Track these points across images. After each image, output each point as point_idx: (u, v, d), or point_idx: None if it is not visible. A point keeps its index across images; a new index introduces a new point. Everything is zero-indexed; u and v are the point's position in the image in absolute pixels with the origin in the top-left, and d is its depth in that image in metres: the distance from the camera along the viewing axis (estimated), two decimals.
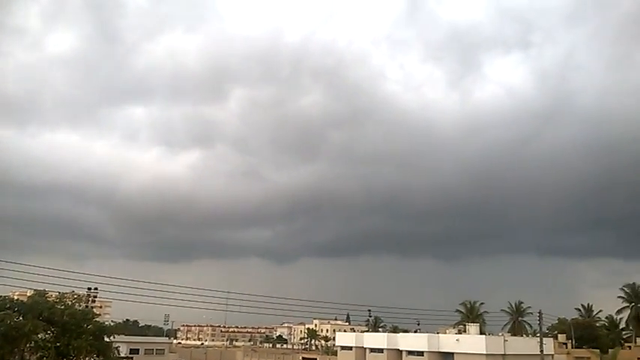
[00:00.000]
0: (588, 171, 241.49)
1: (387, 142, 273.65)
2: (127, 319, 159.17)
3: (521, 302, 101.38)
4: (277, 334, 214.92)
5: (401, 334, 62.18)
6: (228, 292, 70.10)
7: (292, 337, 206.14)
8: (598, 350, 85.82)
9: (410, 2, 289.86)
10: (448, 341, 51.38)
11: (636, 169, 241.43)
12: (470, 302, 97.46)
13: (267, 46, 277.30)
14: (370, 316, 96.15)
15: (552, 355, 54.39)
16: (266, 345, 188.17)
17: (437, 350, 51.22)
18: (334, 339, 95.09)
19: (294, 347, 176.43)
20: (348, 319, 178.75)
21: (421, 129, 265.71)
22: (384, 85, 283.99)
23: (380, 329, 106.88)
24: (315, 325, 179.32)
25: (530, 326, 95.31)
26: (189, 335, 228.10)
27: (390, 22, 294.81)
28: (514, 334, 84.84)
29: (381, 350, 56.98)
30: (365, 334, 68.55)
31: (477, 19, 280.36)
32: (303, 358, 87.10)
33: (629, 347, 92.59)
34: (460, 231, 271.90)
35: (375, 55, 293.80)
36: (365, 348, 60.23)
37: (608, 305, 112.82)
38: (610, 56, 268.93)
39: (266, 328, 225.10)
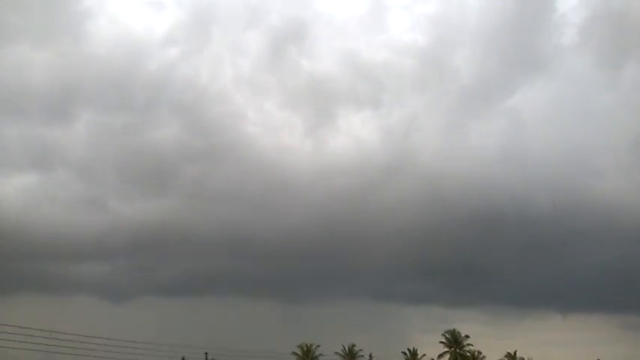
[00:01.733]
0: (423, 224, 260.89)
1: (243, 182, 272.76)
2: None
3: (354, 345, 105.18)
4: None
5: None
6: (50, 331, 63.96)
7: None
8: None
9: (272, 48, 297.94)
10: None
11: (462, 225, 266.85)
12: (306, 345, 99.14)
13: (125, 71, 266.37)
14: (207, 359, 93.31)
15: None
16: None
17: None
18: None
19: None
20: None
21: (276, 172, 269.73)
22: (243, 125, 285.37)
23: None
24: None
25: None
26: None
27: (253, 65, 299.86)
28: None
29: None
30: None
31: (335, 74, 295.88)
32: None
33: None
34: (306, 274, 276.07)
35: (236, 95, 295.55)
36: None
37: (431, 349, 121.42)
38: (447, 123, 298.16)
39: None
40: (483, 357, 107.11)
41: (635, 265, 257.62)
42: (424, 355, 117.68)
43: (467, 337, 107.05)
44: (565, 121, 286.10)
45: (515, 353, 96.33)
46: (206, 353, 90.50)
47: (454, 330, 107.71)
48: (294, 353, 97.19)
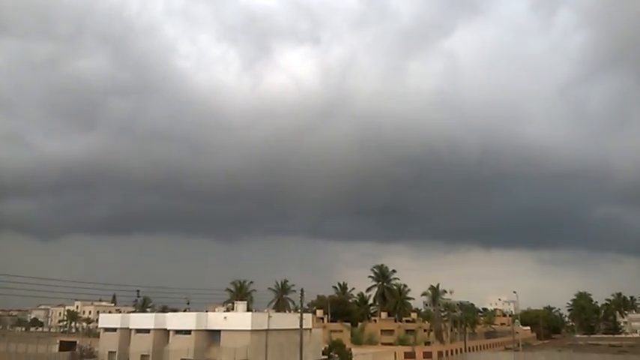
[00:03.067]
0: (358, 164, 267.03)
1: (176, 120, 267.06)
2: None
3: (287, 281, 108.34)
4: (32, 317, 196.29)
5: (169, 313, 61.68)
6: None
7: (50, 319, 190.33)
8: (349, 324, 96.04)
9: None
10: (216, 319, 52.49)
11: (398, 166, 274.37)
12: (240, 281, 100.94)
13: None
14: (139, 297, 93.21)
15: (310, 329, 59.13)
16: (18, 329, 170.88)
17: (205, 328, 52.08)
18: (98, 321, 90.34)
19: (52, 331, 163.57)
20: (114, 300, 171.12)
21: (212, 110, 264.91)
22: (175, 59, 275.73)
23: (148, 309, 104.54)
24: (77, 307, 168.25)
25: (293, 303, 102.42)
26: None
27: None
28: (278, 311, 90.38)
29: (147, 331, 55.96)
30: (131, 314, 66.46)
31: (273, 8, 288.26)
32: (60, 341, 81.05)
33: (375, 320, 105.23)
34: (244, 213, 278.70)
35: (166, 27, 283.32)
36: (131, 329, 58.62)
37: (360, 283, 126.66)
38: (386, 63, 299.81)
39: (19, 310, 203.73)
40: (408, 290, 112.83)
41: (552, 205, 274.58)
42: (353, 288, 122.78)
43: (394, 271, 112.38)
44: (499, 65, 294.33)
45: (437, 286, 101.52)
46: (138, 291, 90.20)
47: (382, 265, 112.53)
48: (227, 289, 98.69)
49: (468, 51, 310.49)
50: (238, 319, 51.70)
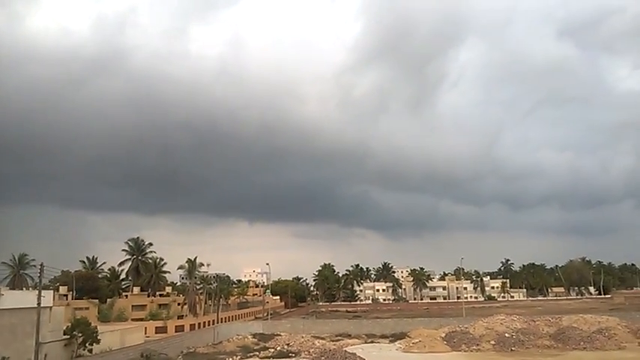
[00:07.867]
0: (129, 128, 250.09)
1: None
2: None
3: (26, 255, 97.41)
4: None
5: None
6: None
7: None
8: (97, 300, 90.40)
9: None
10: None
11: (173, 133, 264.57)
12: None
13: None
14: None
15: (51, 307, 53.70)
16: None
17: None
18: None
19: None
20: None
21: None
22: None
23: None
24: None
25: (32, 279, 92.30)
26: None
27: None
28: (13, 288, 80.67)
29: None
30: None
31: None
32: None
33: (127, 296, 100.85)
34: None
35: None
36: None
37: (114, 257, 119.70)
38: (167, 24, 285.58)
39: None
40: (165, 263, 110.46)
41: (313, 182, 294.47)
42: (104, 263, 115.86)
43: (150, 244, 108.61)
44: (282, 44, 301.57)
45: (195, 259, 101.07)
46: None
47: (138, 238, 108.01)
48: None
49: (253, 25, 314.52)
50: None
